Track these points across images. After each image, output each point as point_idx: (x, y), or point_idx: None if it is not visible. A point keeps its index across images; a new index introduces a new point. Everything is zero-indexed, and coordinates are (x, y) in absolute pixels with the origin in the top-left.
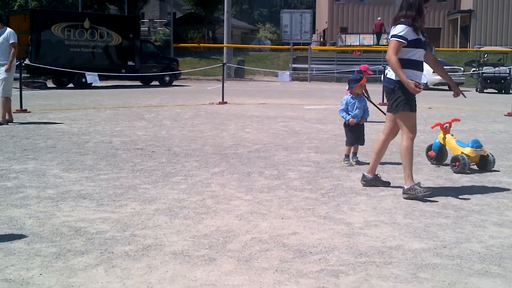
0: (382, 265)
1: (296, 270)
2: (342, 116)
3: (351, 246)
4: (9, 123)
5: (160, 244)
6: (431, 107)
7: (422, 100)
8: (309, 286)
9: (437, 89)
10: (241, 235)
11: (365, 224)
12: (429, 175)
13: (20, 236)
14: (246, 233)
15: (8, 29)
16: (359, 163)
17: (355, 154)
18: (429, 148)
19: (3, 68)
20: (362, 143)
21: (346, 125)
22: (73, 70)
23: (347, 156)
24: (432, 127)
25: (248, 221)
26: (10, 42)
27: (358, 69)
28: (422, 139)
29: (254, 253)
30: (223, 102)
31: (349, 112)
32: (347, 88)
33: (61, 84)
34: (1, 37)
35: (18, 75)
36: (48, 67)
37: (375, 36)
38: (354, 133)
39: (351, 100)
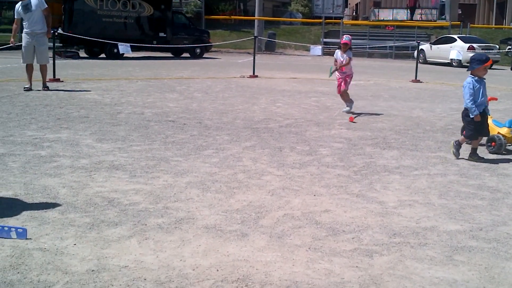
0: (417, 246)
1: (329, 249)
2: (470, 109)
3: (385, 225)
4: (45, 90)
5: (192, 218)
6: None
7: (456, 77)
8: (342, 265)
9: None
10: (273, 211)
11: (398, 204)
12: (464, 155)
13: (54, 205)
14: (278, 209)
15: None
16: (480, 159)
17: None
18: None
19: (41, 36)
20: (487, 134)
21: (469, 117)
22: (105, 41)
23: (474, 150)
24: None
25: (280, 197)
26: (42, 9)
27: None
28: (456, 118)
29: (287, 230)
30: (253, 76)
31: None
32: (467, 69)
33: (93, 54)
34: (33, 5)
35: (52, 44)
36: (81, 37)
37: (408, 11)
38: (478, 125)
39: (476, 83)
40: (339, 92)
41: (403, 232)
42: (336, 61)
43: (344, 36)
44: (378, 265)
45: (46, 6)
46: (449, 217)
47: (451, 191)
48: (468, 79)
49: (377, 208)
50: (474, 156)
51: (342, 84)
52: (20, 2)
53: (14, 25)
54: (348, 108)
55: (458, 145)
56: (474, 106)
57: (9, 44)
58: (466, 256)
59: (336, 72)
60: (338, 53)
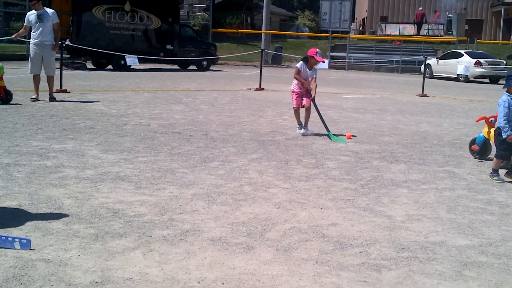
0: (426, 261)
1: (336, 263)
2: (502, 128)
3: (393, 240)
4: (51, 101)
5: (198, 230)
6: (472, 100)
7: (463, 92)
8: (350, 280)
9: (478, 82)
10: (280, 224)
11: (406, 218)
12: (472, 169)
13: (59, 216)
14: (285, 222)
15: (50, 10)
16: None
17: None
18: (473, 142)
19: (50, 48)
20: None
21: (502, 136)
22: (112, 52)
23: (495, 171)
24: (477, 121)
25: (286, 209)
26: (54, 22)
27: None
28: (464, 132)
29: (293, 243)
30: (260, 88)
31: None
32: (503, 87)
33: (100, 66)
34: (47, 17)
35: (59, 55)
36: (88, 48)
37: (415, 26)
38: (510, 146)
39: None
40: (299, 106)
41: (411, 247)
42: (298, 77)
43: (316, 50)
44: (386, 280)
45: (58, 20)
46: (458, 232)
47: (459, 206)
48: (504, 97)
49: (384, 222)
50: (493, 175)
51: (305, 97)
52: (34, 11)
53: (22, 30)
54: (305, 131)
55: (495, 172)
56: (507, 125)
57: (12, 37)
58: (476, 272)
59: (296, 86)
60: (303, 66)
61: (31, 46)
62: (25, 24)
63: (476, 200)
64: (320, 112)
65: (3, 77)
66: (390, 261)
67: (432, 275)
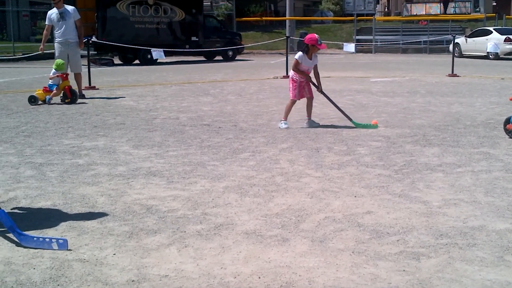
0: (466, 247)
1: (373, 252)
2: None
3: (431, 226)
4: (81, 98)
5: (231, 223)
6: (503, 78)
7: (493, 70)
8: (388, 270)
9: (509, 59)
10: (314, 214)
11: (443, 203)
12: (508, 149)
13: (93, 215)
14: (319, 212)
15: (71, 7)
16: None
17: None
18: (507, 121)
19: (75, 45)
20: None
21: None
22: (138, 47)
23: None
24: (511, 99)
25: (320, 199)
26: (76, 19)
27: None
28: (497, 112)
29: (329, 233)
30: (287, 76)
31: None
32: None
33: (127, 61)
34: (68, 15)
35: (86, 52)
36: (115, 44)
37: (442, 4)
38: None
39: None
40: (297, 98)
41: (450, 233)
42: (298, 70)
43: (311, 36)
44: (426, 268)
45: (79, 17)
46: (497, 215)
47: (497, 188)
48: None
49: (421, 208)
50: None
51: (307, 89)
52: (55, 9)
53: (45, 32)
54: (310, 124)
55: None
56: None
57: (39, 52)
58: None
59: (295, 75)
60: (303, 57)
61: (56, 45)
62: (47, 23)
63: None
64: (333, 101)
65: (68, 76)
66: (429, 249)
67: (472, 261)
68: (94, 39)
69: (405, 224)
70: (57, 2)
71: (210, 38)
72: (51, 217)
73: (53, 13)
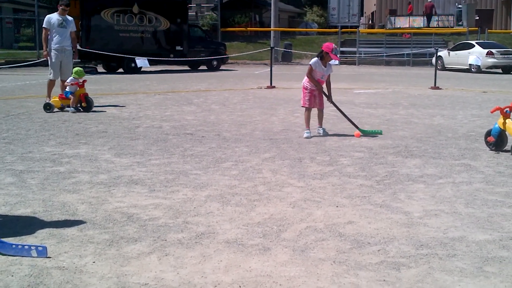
0: (446, 258)
1: (354, 262)
2: None
3: (411, 236)
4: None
5: (213, 232)
6: (486, 91)
7: (475, 84)
8: (369, 279)
9: (490, 72)
10: (295, 224)
11: (424, 214)
12: (489, 161)
13: (73, 222)
14: (301, 221)
15: (71, 17)
16: None
17: None
18: (488, 133)
19: (69, 53)
20: None
21: None
22: (122, 55)
23: None
24: (492, 112)
25: (301, 208)
26: (73, 30)
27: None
28: (478, 124)
29: (310, 243)
30: (271, 87)
31: None
32: None
33: (110, 69)
34: (68, 23)
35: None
36: (98, 52)
37: (425, 18)
38: None
39: None
40: (312, 106)
41: (430, 243)
42: (311, 76)
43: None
44: (406, 278)
45: (76, 29)
46: (478, 226)
47: (477, 200)
48: None
49: (402, 219)
50: None
51: (318, 98)
52: (56, 15)
53: (45, 36)
54: (320, 132)
55: None
56: None
57: (42, 58)
58: (497, 267)
59: (307, 82)
60: (317, 63)
61: (52, 51)
62: (45, 26)
63: (494, 193)
64: (342, 110)
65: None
66: (409, 259)
67: (452, 272)
68: (77, 47)
69: (386, 234)
70: (65, 8)
71: (194, 48)
72: (30, 224)
73: (54, 18)
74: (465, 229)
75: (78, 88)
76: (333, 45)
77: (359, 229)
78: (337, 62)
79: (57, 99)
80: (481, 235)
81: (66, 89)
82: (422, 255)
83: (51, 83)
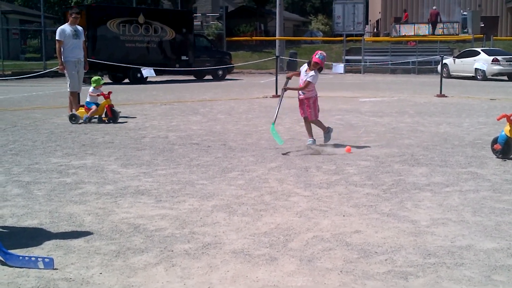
0: (453, 267)
1: (361, 271)
2: None
3: (419, 245)
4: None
5: (219, 242)
6: (494, 99)
7: (481, 90)
8: None
9: (496, 80)
10: (302, 233)
11: (431, 222)
12: (495, 169)
13: (80, 233)
14: (307, 231)
15: (80, 27)
16: None
17: None
18: (495, 141)
19: (82, 65)
20: None
21: None
22: (128, 65)
23: None
24: (498, 119)
25: (308, 218)
26: (83, 40)
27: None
28: (485, 132)
29: (317, 253)
30: (276, 96)
31: None
32: None
33: (116, 79)
34: (80, 34)
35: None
36: (104, 62)
37: (430, 25)
38: None
39: None
40: (302, 115)
41: (438, 252)
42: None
43: (318, 52)
44: (414, 287)
45: (85, 38)
46: (485, 234)
47: (485, 208)
48: None
49: (409, 228)
50: None
51: (306, 108)
52: (68, 26)
53: (59, 48)
54: (324, 139)
55: None
56: None
57: (53, 69)
58: (506, 276)
59: (299, 92)
60: (304, 68)
61: (70, 63)
62: (59, 39)
63: (501, 201)
64: (281, 104)
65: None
66: (417, 268)
67: (460, 281)
68: None
69: (393, 243)
70: (76, 17)
71: (200, 57)
72: (37, 235)
73: (67, 29)
74: (473, 237)
75: (103, 99)
76: (318, 54)
77: (366, 238)
78: (341, 68)
79: (83, 110)
80: (489, 244)
81: (87, 100)
82: (429, 264)
83: (73, 95)
